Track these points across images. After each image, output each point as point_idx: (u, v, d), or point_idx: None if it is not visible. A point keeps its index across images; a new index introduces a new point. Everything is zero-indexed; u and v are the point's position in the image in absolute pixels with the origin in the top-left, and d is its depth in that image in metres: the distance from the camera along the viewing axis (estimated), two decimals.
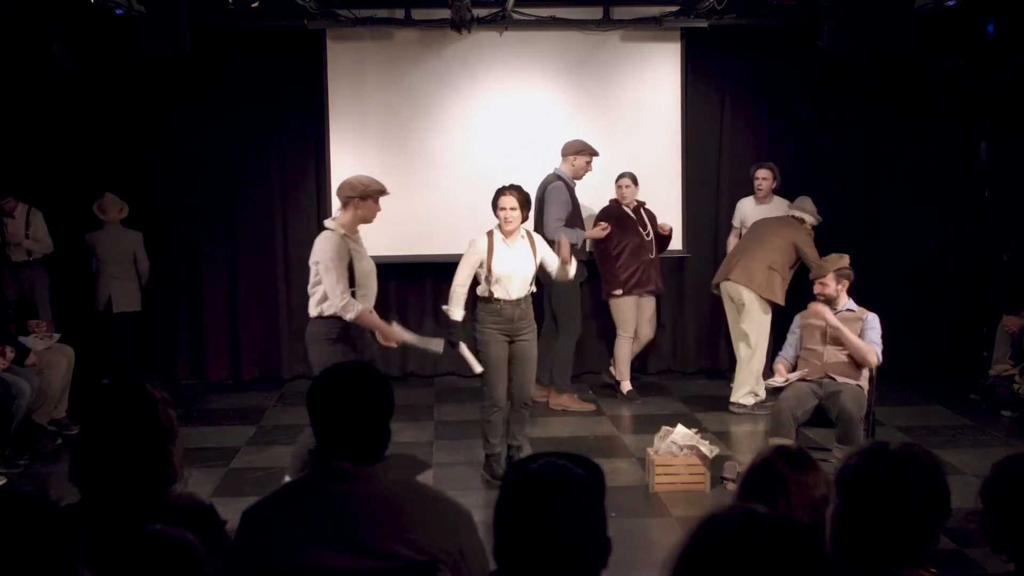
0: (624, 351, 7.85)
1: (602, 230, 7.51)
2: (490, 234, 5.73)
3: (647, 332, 7.93)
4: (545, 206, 7.36)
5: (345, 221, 5.24)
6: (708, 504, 5.48)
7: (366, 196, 5.23)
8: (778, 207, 7.97)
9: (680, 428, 5.80)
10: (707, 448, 5.68)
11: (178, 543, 1.99)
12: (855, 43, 7.15)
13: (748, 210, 8.11)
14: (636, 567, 4.51)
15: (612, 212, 7.73)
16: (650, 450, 5.82)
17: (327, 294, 5.11)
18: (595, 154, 7.51)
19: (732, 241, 8.26)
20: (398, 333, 5.29)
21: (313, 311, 5.22)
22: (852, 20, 7.01)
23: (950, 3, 6.56)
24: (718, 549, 1.45)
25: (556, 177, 7.45)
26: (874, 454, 2.11)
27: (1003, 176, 8.25)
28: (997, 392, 7.31)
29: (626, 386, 7.89)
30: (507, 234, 5.69)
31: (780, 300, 7.31)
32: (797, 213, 7.63)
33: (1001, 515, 2.19)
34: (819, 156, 8.62)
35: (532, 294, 5.82)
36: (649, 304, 7.88)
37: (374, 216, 5.32)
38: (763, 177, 7.94)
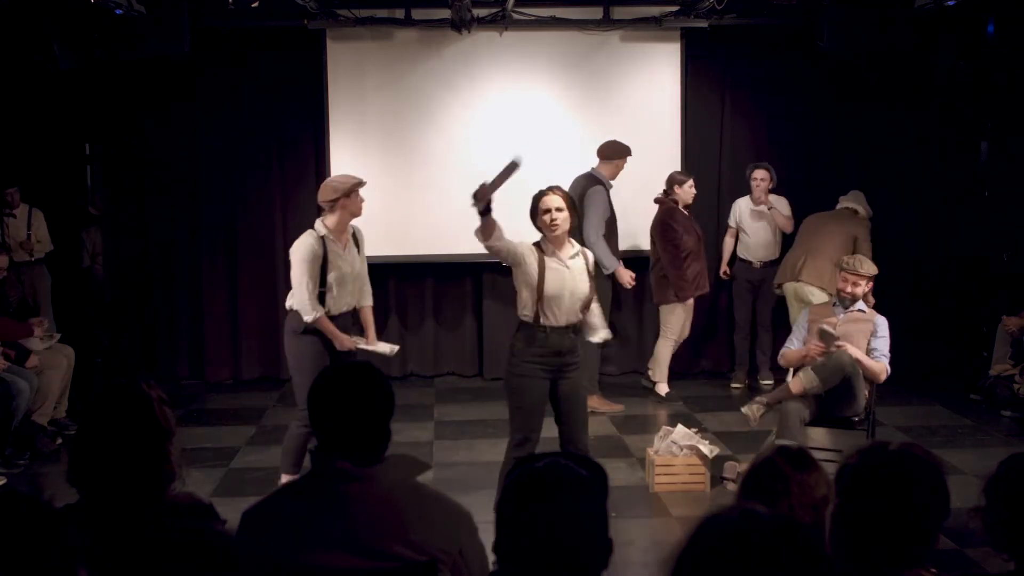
0: (668, 353, 7.84)
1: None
2: (538, 247, 4.75)
3: (686, 332, 7.94)
4: (585, 211, 7.03)
5: (332, 223, 5.30)
6: (708, 504, 5.48)
7: (349, 193, 5.29)
8: (777, 205, 8.00)
9: (680, 428, 5.80)
10: (707, 448, 5.68)
11: (219, 540, 1.98)
12: (855, 43, 7.15)
13: (745, 209, 8.15)
14: (636, 567, 4.53)
15: (678, 216, 7.61)
16: (650, 450, 5.82)
17: (295, 290, 5.34)
18: (630, 154, 7.52)
19: (729, 241, 8.28)
20: (350, 342, 5.41)
21: (287, 303, 5.46)
22: (852, 20, 7.01)
23: (950, 3, 6.55)
24: (718, 549, 1.45)
25: (595, 180, 7.32)
26: (874, 454, 2.11)
27: (1003, 176, 8.25)
28: (997, 392, 7.31)
29: (664, 388, 7.86)
30: (557, 244, 4.73)
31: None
32: (852, 205, 7.72)
33: (1005, 513, 2.18)
34: (819, 156, 8.62)
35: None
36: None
37: (360, 208, 5.39)
38: (760, 178, 7.96)
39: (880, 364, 5.63)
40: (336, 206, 5.27)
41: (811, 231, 7.63)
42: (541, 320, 4.69)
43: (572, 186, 7.20)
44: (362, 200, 5.39)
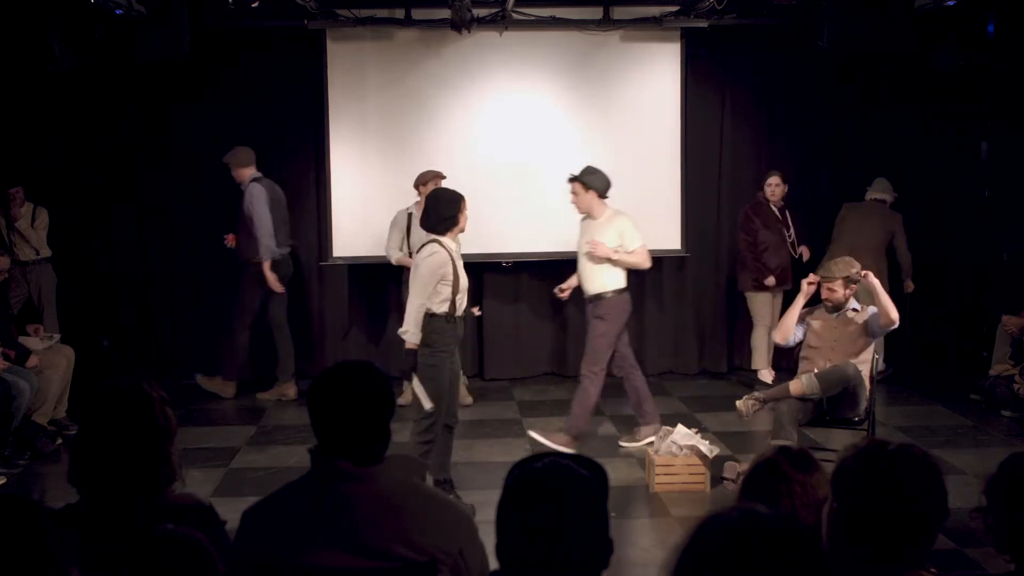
0: (761, 339, 8.00)
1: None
2: (441, 244, 5.15)
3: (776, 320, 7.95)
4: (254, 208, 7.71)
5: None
6: (708, 504, 5.48)
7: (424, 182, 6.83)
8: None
9: (680, 428, 5.80)
10: (707, 448, 5.68)
11: (189, 542, 1.99)
12: (855, 43, 7.15)
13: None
14: (636, 567, 4.53)
15: (761, 211, 8.01)
16: (650, 450, 5.82)
17: None
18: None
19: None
20: None
21: None
22: (852, 20, 6.99)
23: (950, 3, 6.55)
24: (718, 549, 1.45)
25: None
26: (871, 454, 2.11)
27: (1003, 176, 8.24)
28: (997, 392, 7.30)
29: (766, 374, 7.98)
30: (454, 240, 5.23)
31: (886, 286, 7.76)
32: (881, 195, 8.06)
33: (1006, 514, 2.18)
34: (819, 156, 8.63)
35: None
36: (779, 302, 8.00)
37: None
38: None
39: (894, 307, 5.65)
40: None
41: (850, 225, 7.95)
42: (456, 312, 5.16)
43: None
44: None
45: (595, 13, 8.12)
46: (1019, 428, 6.92)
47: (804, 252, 8.08)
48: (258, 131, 8.36)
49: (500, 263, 8.26)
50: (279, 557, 2.35)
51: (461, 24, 7.52)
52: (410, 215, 7.28)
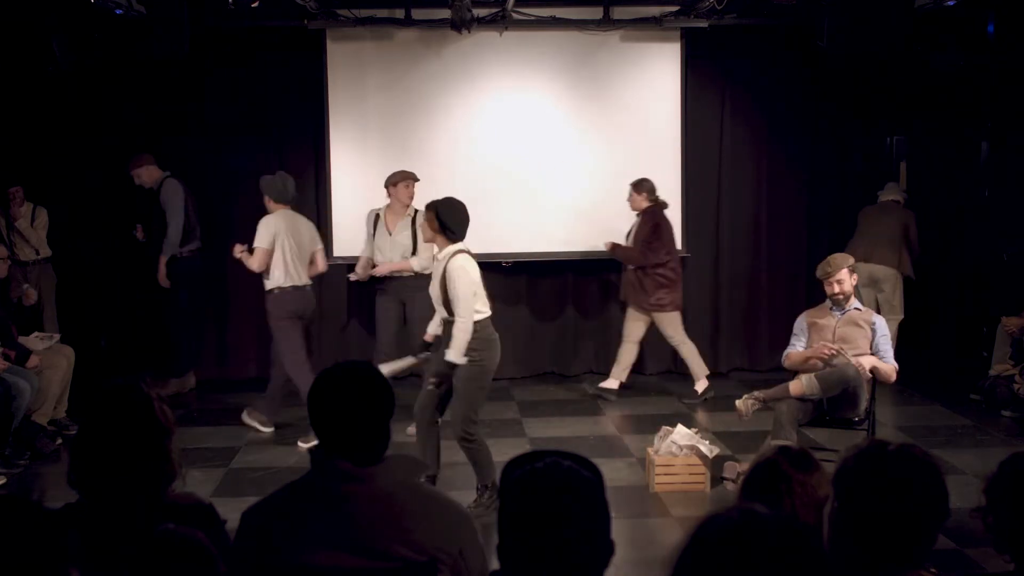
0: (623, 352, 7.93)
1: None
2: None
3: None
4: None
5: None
6: (708, 504, 5.48)
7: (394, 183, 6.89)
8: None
9: (680, 428, 5.80)
10: (707, 448, 5.68)
11: (190, 542, 1.99)
12: (855, 43, 7.14)
13: None
14: (636, 567, 4.52)
15: None
16: (650, 450, 5.82)
17: None
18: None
19: None
20: None
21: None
22: (852, 20, 6.99)
23: (950, 3, 6.55)
24: (718, 549, 1.45)
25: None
26: (872, 454, 2.11)
27: (1003, 176, 8.24)
28: (997, 392, 7.30)
29: (612, 383, 7.88)
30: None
31: (911, 272, 8.14)
32: (894, 197, 8.22)
33: (1006, 514, 2.18)
34: (819, 156, 8.63)
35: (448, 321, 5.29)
36: (634, 316, 7.81)
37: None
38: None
39: (890, 366, 5.66)
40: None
41: (868, 222, 8.11)
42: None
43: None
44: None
45: (595, 13, 8.12)
46: (1019, 428, 6.91)
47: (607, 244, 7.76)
48: (258, 131, 8.36)
49: (500, 263, 8.26)
50: (279, 557, 2.35)
51: (461, 24, 7.52)
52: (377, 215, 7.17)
